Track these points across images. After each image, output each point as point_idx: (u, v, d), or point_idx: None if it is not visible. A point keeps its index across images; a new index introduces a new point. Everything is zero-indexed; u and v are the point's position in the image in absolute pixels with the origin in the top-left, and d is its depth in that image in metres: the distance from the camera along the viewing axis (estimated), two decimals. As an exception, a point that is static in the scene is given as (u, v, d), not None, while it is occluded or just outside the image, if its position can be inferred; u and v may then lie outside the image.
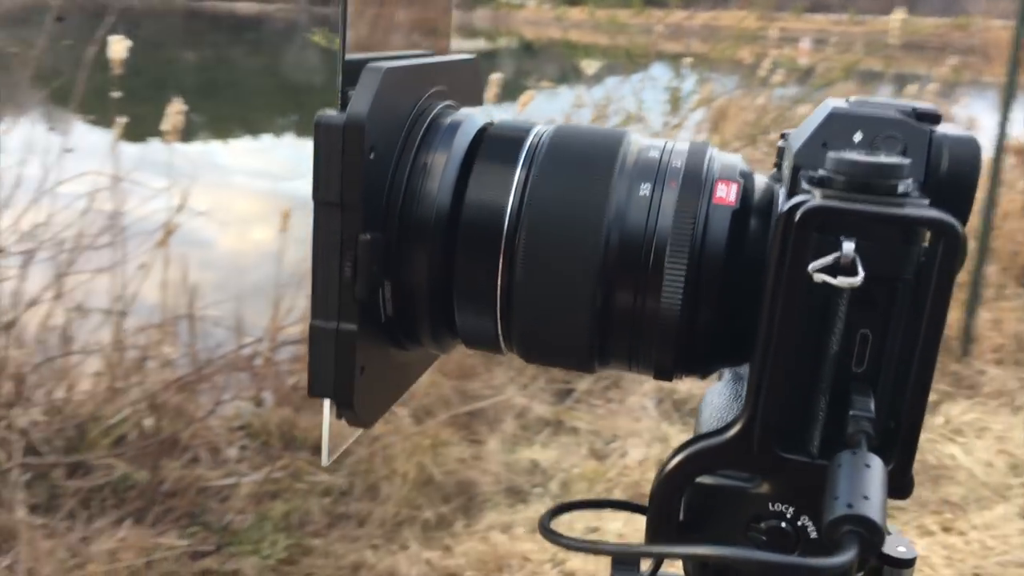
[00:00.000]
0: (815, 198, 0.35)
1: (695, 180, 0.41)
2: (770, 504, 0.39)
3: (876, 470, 0.34)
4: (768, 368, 0.36)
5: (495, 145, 0.43)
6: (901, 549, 0.43)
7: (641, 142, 0.44)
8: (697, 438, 0.39)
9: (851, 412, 0.36)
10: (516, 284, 0.41)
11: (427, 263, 0.41)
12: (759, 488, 0.39)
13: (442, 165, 0.41)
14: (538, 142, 0.43)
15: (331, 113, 0.36)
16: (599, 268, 0.40)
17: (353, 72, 0.37)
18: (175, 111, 2.42)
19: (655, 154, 0.42)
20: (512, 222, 0.41)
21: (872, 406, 0.36)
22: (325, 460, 0.40)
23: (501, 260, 0.41)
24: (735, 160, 0.43)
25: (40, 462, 2.34)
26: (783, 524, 0.39)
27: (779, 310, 0.35)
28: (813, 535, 0.39)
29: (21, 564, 2.12)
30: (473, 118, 0.45)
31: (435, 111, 0.43)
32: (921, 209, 0.34)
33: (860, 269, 0.34)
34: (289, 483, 2.46)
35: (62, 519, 2.24)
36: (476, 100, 0.49)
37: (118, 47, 2.31)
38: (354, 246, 0.37)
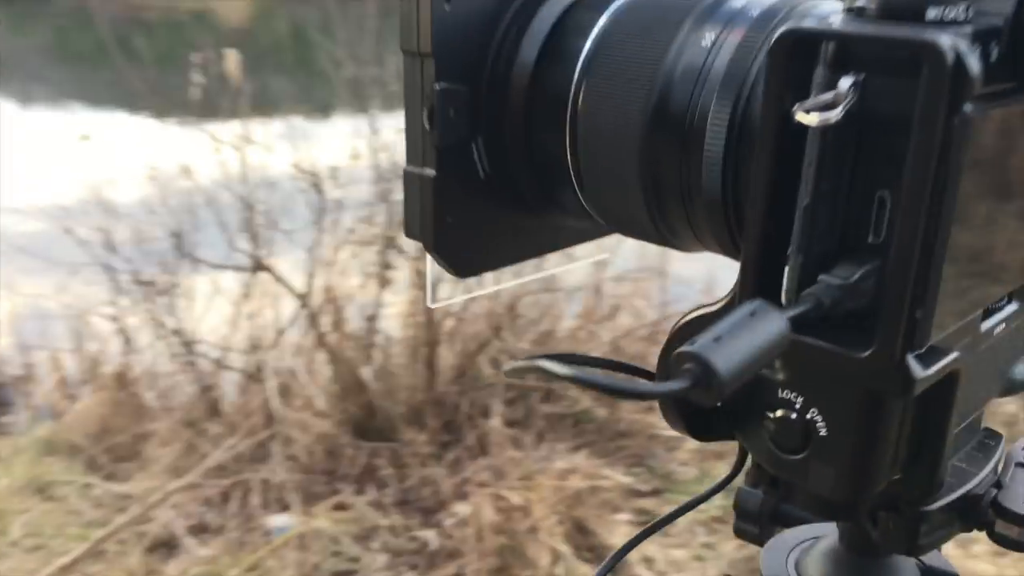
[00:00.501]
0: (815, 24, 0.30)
1: (764, 23, 0.35)
2: (779, 391, 0.34)
3: (762, 324, 0.28)
4: (755, 226, 0.32)
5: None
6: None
7: None
8: (697, 307, 0.35)
9: (820, 275, 0.30)
10: (578, 149, 0.39)
11: (512, 120, 0.40)
12: (773, 373, 0.34)
13: (537, 21, 0.40)
14: None
15: None
16: (645, 126, 0.36)
17: None
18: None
19: (739, 3, 0.37)
20: (579, 77, 0.39)
21: (856, 276, 0.30)
22: (429, 302, 0.43)
23: (568, 123, 0.39)
24: (830, 7, 0.35)
25: (522, 384, 2.68)
26: (792, 415, 0.33)
27: (761, 158, 0.31)
28: (823, 432, 0.33)
29: (492, 465, 2.47)
30: None
31: None
32: (909, 31, 0.28)
33: (841, 107, 0.28)
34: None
35: (530, 436, 2.54)
36: None
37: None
38: (431, 95, 0.38)
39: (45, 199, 3.09)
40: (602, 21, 0.39)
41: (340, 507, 2.39)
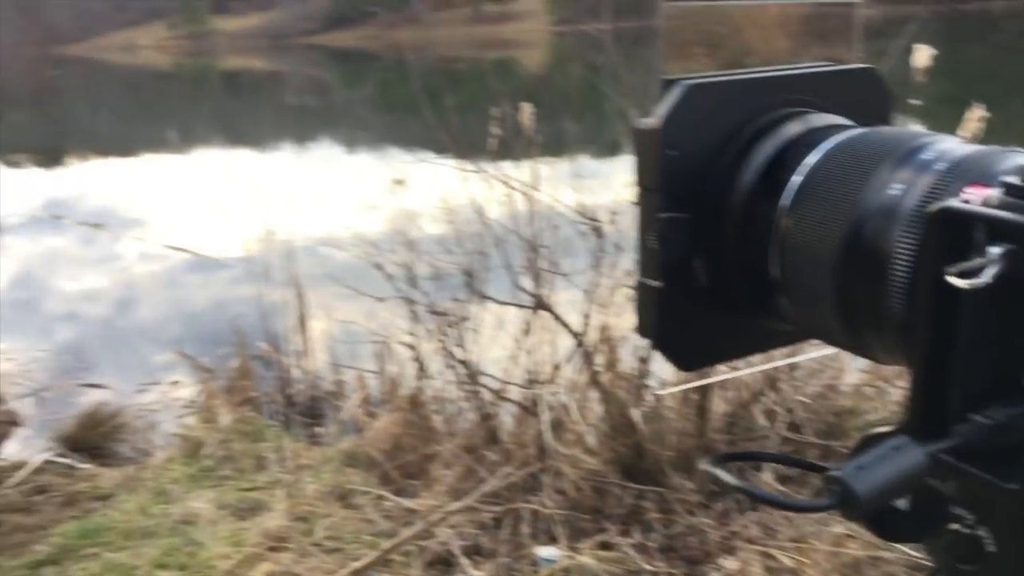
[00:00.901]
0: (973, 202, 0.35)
1: (944, 182, 0.39)
2: (951, 506, 0.39)
3: (903, 456, 0.34)
4: (917, 366, 0.36)
5: (811, 134, 0.46)
6: None
7: (941, 145, 0.42)
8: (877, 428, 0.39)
9: (970, 414, 0.35)
10: (784, 267, 0.45)
11: (728, 241, 0.47)
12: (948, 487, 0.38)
13: (755, 156, 0.47)
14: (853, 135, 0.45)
15: (645, 120, 0.46)
16: (840, 252, 0.41)
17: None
18: (975, 117, 2.35)
19: (930, 155, 0.41)
20: (789, 205, 0.44)
21: (1005, 417, 0.34)
22: (657, 391, 0.50)
23: (776, 244, 0.45)
24: (1012, 163, 0.38)
25: (799, 438, 2.57)
26: (964, 530, 0.38)
27: (920, 313, 0.36)
28: (991, 549, 0.37)
29: (762, 521, 2.38)
30: (809, 123, 0.48)
31: (773, 116, 0.48)
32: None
33: (984, 274, 0.33)
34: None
35: (805, 494, 2.43)
36: (871, 111, 0.50)
37: (922, 55, 2.35)
38: (658, 223, 0.46)
39: (360, 233, 3.45)
40: (813, 158, 0.45)
41: (605, 546, 2.42)
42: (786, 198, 0.45)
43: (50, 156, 16.09)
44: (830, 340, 0.46)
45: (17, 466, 3.38)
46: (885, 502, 0.34)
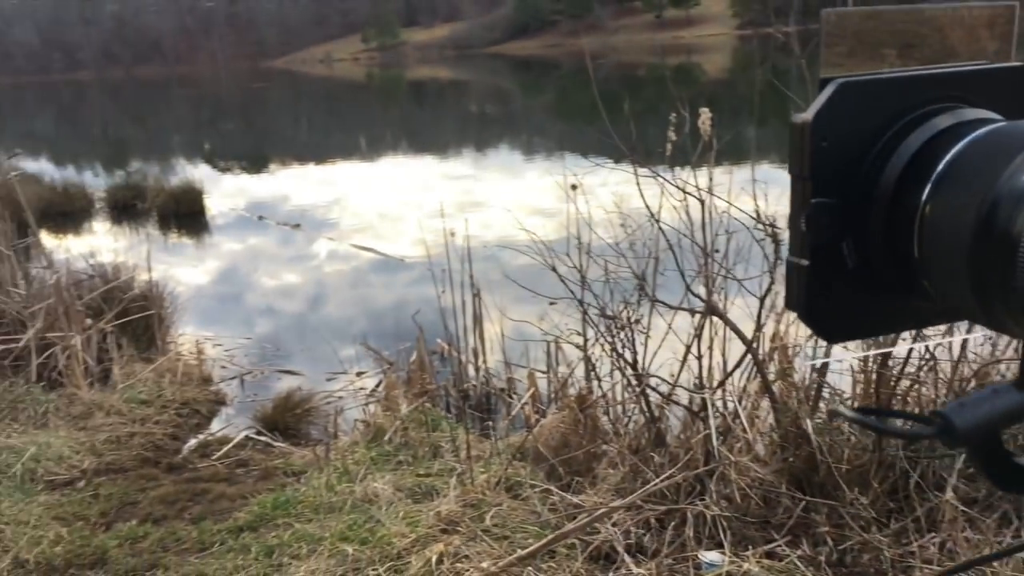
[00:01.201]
0: None
1: None
2: None
3: (1001, 398, 0.39)
4: None
5: (957, 127, 0.50)
6: None
7: None
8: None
9: None
10: (924, 249, 0.48)
11: (875, 225, 0.50)
12: None
13: (903, 148, 0.51)
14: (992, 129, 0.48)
15: (799, 114, 0.51)
16: (975, 234, 0.44)
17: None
18: None
19: None
20: (931, 191, 0.48)
21: None
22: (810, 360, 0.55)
23: (918, 227, 0.48)
24: None
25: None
26: None
27: None
28: None
29: (942, 543, 2.29)
30: (958, 116, 0.51)
31: (923, 111, 0.52)
32: None
33: None
34: None
35: (992, 519, 2.30)
36: (1017, 108, 0.52)
37: None
38: (808, 207, 0.50)
39: (536, 237, 3.55)
40: (957, 147, 0.48)
41: (771, 556, 2.39)
42: (930, 185, 0.48)
43: (255, 162, 17.39)
44: (968, 317, 0.49)
45: (223, 441, 3.72)
46: (982, 435, 0.38)
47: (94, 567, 2.69)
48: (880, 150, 0.51)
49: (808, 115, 0.51)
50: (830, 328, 0.54)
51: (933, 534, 2.35)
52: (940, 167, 0.49)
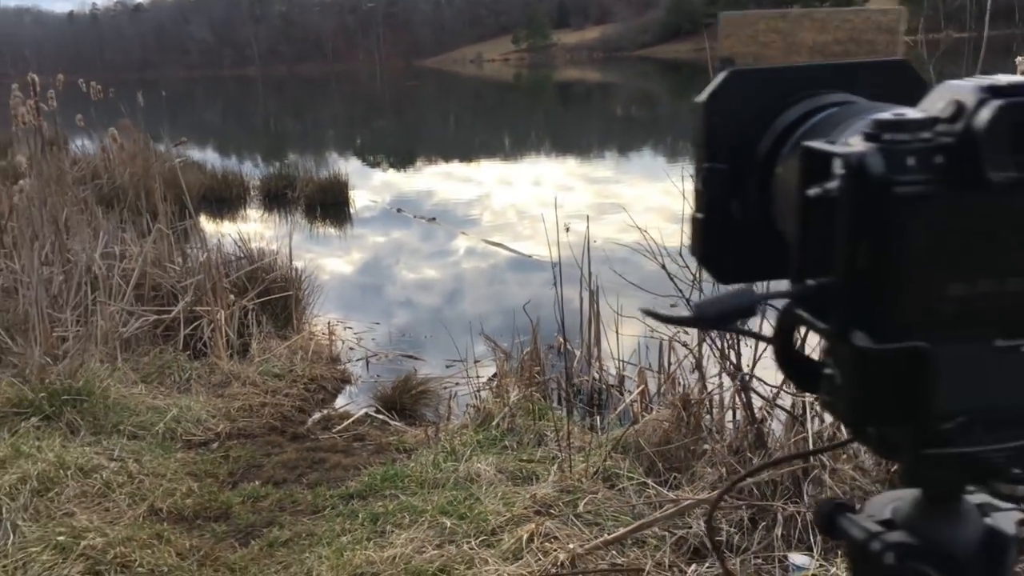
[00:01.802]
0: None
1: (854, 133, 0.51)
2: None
3: (741, 296, 0.48)
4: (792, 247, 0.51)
5: (821, 108, 0.58)
6: None
7: (882, 111, 0.51)
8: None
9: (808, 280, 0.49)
10: (776, 197, 0.57)
11: (754, 185, 0.60)
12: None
13: (778, 123, 0.59)
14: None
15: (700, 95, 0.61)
16: (796, 203, 0.52)
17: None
18: None
19: (866, 116, 0.51)
20: (784, 155, 0.57)
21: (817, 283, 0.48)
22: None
23: (772, 191, 0.57)
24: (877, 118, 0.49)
25: None
26: (827, 371, 0.50)
27: (794, 213, 0.50)
28: (837, 381, 0.50)
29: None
30: (827, 99, 0.58)
31: (802, 95, 0.60)
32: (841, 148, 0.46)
33: (828, 189, 0.46)
34: None
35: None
36: (902, 98, 0.57)
37: None
38: (703, 170, 0.60)
39: (660, 241, 3.59)
40: (811, 120, 0.58)
41: (863, 563, 2.37)
42: (785, 151, 0.58)
43: (403, 158, 18.02)
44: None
45: (344, 416, 3.95)
46: (726, 320, 0.48)
47: (218, 520, 2.94)
48: (762, 126, 0.60)
49: (703, 96, 0.61)
50: (722, 271, 0.63)
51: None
52: (794, 138, 0.57)
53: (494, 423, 3.46)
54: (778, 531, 2.48)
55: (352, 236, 9.78)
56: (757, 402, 2.96)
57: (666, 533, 2.58)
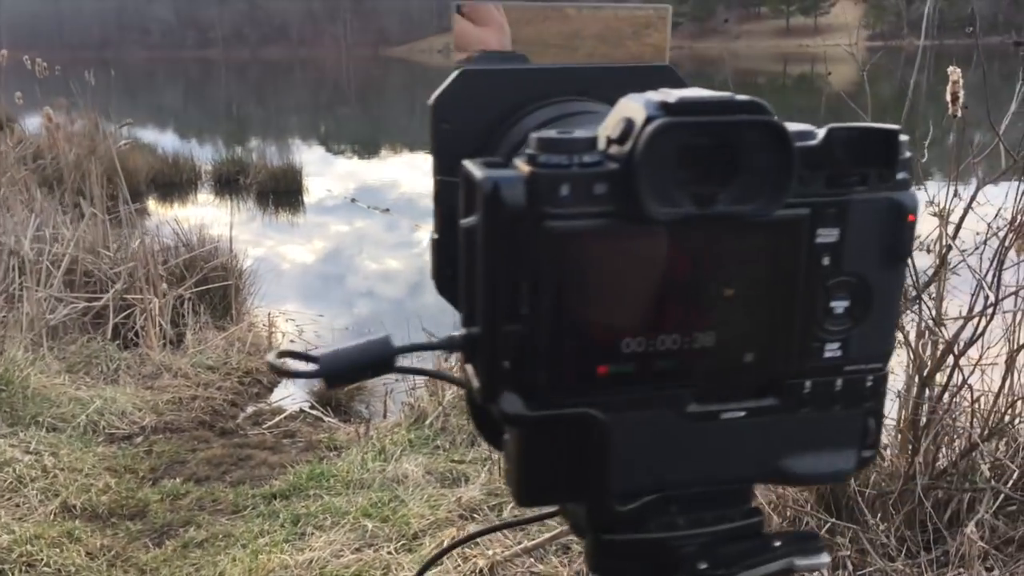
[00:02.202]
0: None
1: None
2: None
3: (372, 347, 0.44)
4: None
5: (560, 118, 0.53)
6: None
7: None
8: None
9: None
10: None
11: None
12: None
13: (513, 133, 0.53)
14: None
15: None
16: None
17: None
18: None
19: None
20: None
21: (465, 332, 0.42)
22: None
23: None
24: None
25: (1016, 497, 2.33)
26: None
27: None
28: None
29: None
30: (567, 108, 0.53)
31: (544, 102, 0.54)
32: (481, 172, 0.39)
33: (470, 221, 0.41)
34: None
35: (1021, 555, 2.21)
36: None
37: None
38: (436, 184, 0.54)
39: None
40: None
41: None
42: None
43: (367, 147, 17.83)
44: None
45: (276, 411, 3.86)
46: (347, 378, 0.43)
47: (134, 518, 2.85)
48: (498, 135, 0.54)
49: (431, 99, 0.54)
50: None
51: (956, 569, 2.26)
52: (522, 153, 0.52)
53: (427, 422, 3.40)
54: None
55: (303, 226, 9.64)
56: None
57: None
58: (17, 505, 2.78)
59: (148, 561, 2.59)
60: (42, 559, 2.49)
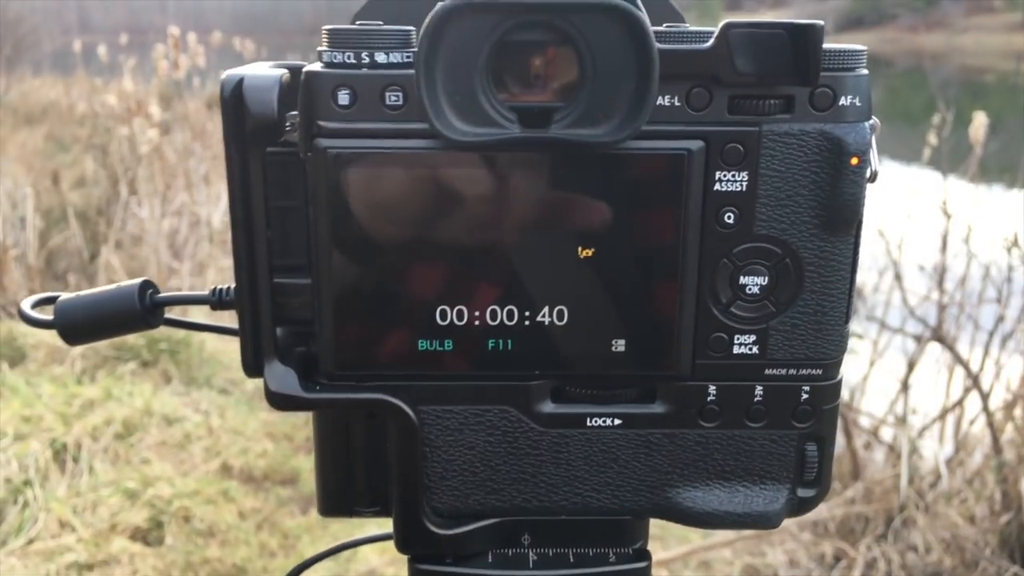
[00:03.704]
0: None
1: None
2: None
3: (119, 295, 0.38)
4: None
5: None
6: None
7: None
8: None
9: None
10: None
11: None
12: None
13: None
14: None
15: None
16: None
17: None
18: None
19: None
20: None
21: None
22: None
23: None
24: None
25: None
26: None
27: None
28: None
29: None
30: None
31: None
32: None
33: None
34: None
35: None
36: None
37: None
38: None
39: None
40: None
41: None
42: None
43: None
44: None
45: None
46: (87, 331, 0.36)
47: (285, 484, 2.94)
48: None
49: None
50: None
51: None
52: None
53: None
54: (855, 572, 2.23)
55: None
56: (856, 427, 2.68)
57: (737, 561, 2.38)
58: (182, 461, 2.94)
59: (292, 528, 2.66)
60: (197, 514, 2.62)
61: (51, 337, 3.54)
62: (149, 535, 2.55)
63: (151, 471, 2.80)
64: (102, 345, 3.50)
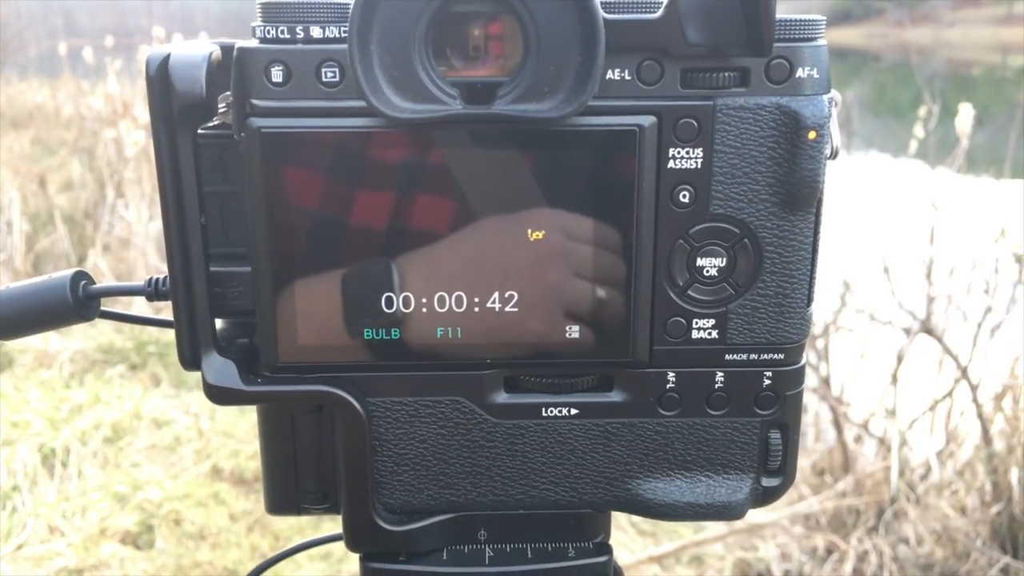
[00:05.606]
0: None
1: None
2: None
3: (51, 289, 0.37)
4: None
5: None
6: None
7: None
8: None
9: None
10: None
11: None
12: None
13: None
14: None
15: None
16: None
17: None
18: None
19: None
20: None
21: None
22: None
23: None
24: None
25: None
26: None
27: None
28: None
29: None
30: None
31: None
32: None
33: None
34: None
35: None
36: None
37: None
38: None
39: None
40: None
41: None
42: None
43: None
44: None
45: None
46: (15, 325, 0.33)
47: (276, 485, 2.94)
48: None
49: None
50: None
51: None
52: None
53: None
54: (847, 566, 2.23)
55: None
56: (846, 419, 2.68)
57: (729, 555, 2.38)
58: (172, 464, 2.93)
59: (283, 530, 2.65)
60: (187, 517, 2.61)
61: (39, 341, 3.52)
62: (139, 539, 2.54)
63: (141, 474, 2.78)
64: (90, 348, 3.48)
